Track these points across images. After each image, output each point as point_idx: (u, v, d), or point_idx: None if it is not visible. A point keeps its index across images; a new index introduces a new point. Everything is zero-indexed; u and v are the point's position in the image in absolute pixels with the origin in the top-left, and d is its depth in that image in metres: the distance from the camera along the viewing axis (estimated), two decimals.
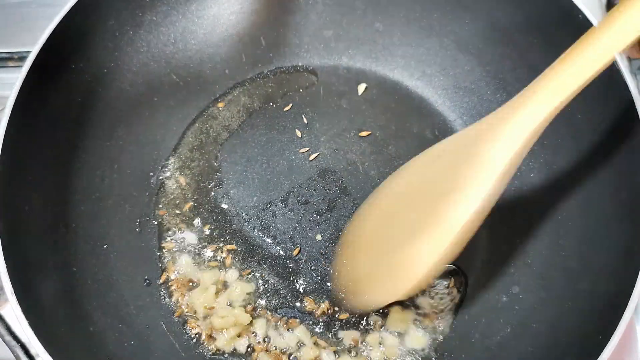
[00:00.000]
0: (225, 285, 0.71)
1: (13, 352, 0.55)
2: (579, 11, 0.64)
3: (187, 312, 0.69)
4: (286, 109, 0.81)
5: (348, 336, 0.67)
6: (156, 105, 0.78)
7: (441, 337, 0.68)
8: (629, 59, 0.65)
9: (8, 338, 0.55)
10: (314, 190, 0.76)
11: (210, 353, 0.67)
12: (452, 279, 0.70)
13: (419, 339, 0.67)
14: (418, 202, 0.60)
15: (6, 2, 0.89)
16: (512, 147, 0.52)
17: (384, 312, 0.68)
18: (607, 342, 0.52)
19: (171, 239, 0.73)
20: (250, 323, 0.68)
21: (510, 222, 0.72)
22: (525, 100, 0.52)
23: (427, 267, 0.58)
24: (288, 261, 0.72)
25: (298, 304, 0.70)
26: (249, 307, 0.69)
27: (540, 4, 0.68)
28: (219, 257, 0.72)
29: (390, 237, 0.63)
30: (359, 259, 0.67)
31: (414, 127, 0.79)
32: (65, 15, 0.65)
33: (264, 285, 0.71)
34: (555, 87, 0.51)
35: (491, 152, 0.53)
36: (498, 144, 0.53)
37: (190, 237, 0.73)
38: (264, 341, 0.68)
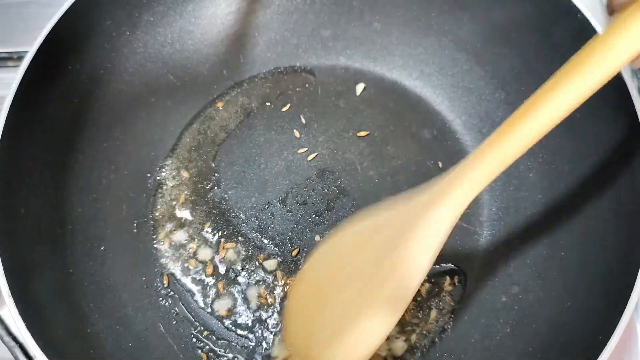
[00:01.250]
0: None
1: (12, 352, 0.55)
2: (577, 10, 0.64)
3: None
4: (284, 109, 0.81)
5: None
6: (153, 105, 0.78)
7: (440, 337, 0.68)
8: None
9: (7, 339, 0.55)
10: (313, 190, 0.76)
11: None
12: (452, 279, 0.70)
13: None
14: (359, 276, 0.58)
15: (6, 1, 0.89)
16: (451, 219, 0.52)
17: None
18: (607, 342, 0.52)
19: (169, 240, 0.73)
20: None
21: (509, 222, 0.72)
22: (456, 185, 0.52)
23: (375, 342, 0.57)
24: (287, 262, 0.72)
25: None
26: None
27: (539, 3, 0.68)
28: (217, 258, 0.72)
29: (337, 305, 0.60)
30: (307, 319, 0.64)
31: (412, 127, 0.79)
32: (62, 16, 0.65)
33: None
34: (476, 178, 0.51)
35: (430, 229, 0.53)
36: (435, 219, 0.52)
37: (189, 238, 0.73)
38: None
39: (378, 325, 0.56)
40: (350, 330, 0.57)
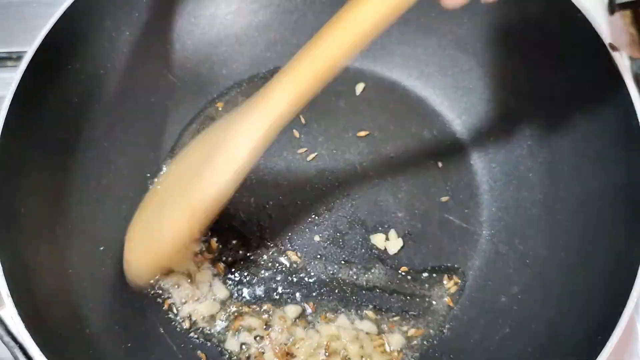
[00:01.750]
0: None
1: (12, 352, 0.55)
2: (577, 10, 0.63)
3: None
4: None
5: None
6: (153, 106, 0.77)
7: (440, 337, 0.68)
8: (631, 59, 0.65)
9: (7, 339, 0.54)
10: (312, 190, 0.76)
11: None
12: (451, 279, 0.70)
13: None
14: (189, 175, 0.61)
15: (6, 1, 0.89)
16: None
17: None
18: (606, 342, 0.52)
19: None
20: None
21: (509, 222, 0.72)
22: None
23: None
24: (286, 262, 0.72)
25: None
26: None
27: (539, 3, 0.68)
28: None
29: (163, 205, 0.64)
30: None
31: (412, 127, 0.79)
32: (61, 16, 0.65)
33: None
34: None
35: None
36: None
37: None
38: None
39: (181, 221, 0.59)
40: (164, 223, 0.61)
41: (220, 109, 0.81)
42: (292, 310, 0.69)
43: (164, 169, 0.77)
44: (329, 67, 0.53)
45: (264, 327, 0.68)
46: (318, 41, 0.53)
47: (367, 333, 0.68)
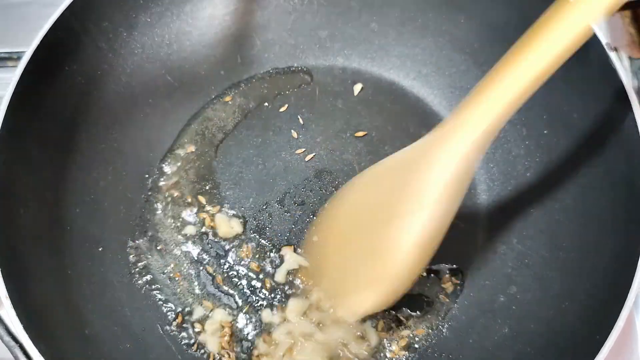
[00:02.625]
0: None
1: (12, 352, 0.55)
2: None
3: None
4: (282, 109, 0.81)
5: None
6: (151, 106, 0.77)
7: (439, 337, 0.68)
8: (630, 59, 0.64)
9: (7, 339, 0.54)
10: (310, 191, 0.76)
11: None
12: (450, 278, 0.70)
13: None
14: (375, 218, 0.60)
15: (6, 1, 0.89)
16: (455, 160, 0.53)
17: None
18: (605, 342, 0.52)
19: (167, 241, 0.73)
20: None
21: (507, 222, 0.72)
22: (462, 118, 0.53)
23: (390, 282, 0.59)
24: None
25: None
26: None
27: (535, 3, 0.68)
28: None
29: (356, 247, 0.63)
30: (331, 260, 0.67)
31: (410, 127, 0.79)
32: (59, 16, 0.65)
33: None
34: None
35: (437, 166, 0.54)
36: (442, 158, 0.53)
37: (186, 239, 0.73)
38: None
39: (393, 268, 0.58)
40: (366, 269, 0.60)
41: (217, 109, 0.81)
42: (295, 306, 0.69)
43: (164, 169, 0.77)
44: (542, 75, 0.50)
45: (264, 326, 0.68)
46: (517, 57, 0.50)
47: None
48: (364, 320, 0.67)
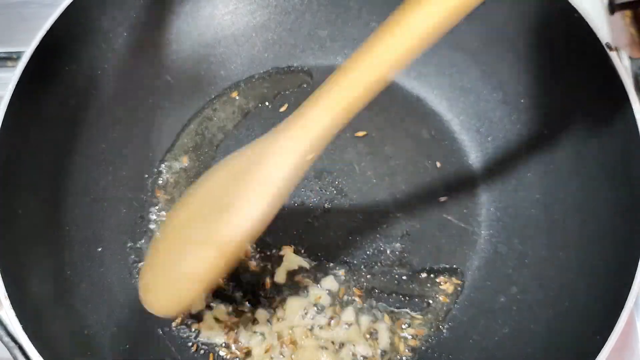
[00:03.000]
0: None
1: (11, 353, 0.55)
2: (574, 10, 0.63)
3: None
4: (282, 109, 0.81)
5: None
6: (151, 107, 0.77)
7: (439, 338, 0.68)
8: (631, 59, 0.65)
9: (6, 339, 0.54)
10: (310, 191, 0.76)
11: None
12: (450, 279, 0.70)
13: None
14: (210, 211, 0.58)
15: (6, 1, 0.89)
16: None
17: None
18: (605, 342, 0.52)
19: None
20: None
21: (507, 222, 0.72)
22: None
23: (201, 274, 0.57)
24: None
25: None
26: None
27: (536, 3, 0.68)
28: None
29: (185, 240, 0.60)
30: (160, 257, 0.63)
31: (410, 127, 0.79)
32: (59, 16, 0.65)
33: None
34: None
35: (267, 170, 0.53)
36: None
37: None
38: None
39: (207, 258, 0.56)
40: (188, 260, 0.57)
41: (217, 109, 0.81)
42: (295, 306, 0.69)
43: (163, 169, 0.77)
44: (380, 76, 0.50)
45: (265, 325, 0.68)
46: (368, 48, 0.49)
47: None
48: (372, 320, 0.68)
